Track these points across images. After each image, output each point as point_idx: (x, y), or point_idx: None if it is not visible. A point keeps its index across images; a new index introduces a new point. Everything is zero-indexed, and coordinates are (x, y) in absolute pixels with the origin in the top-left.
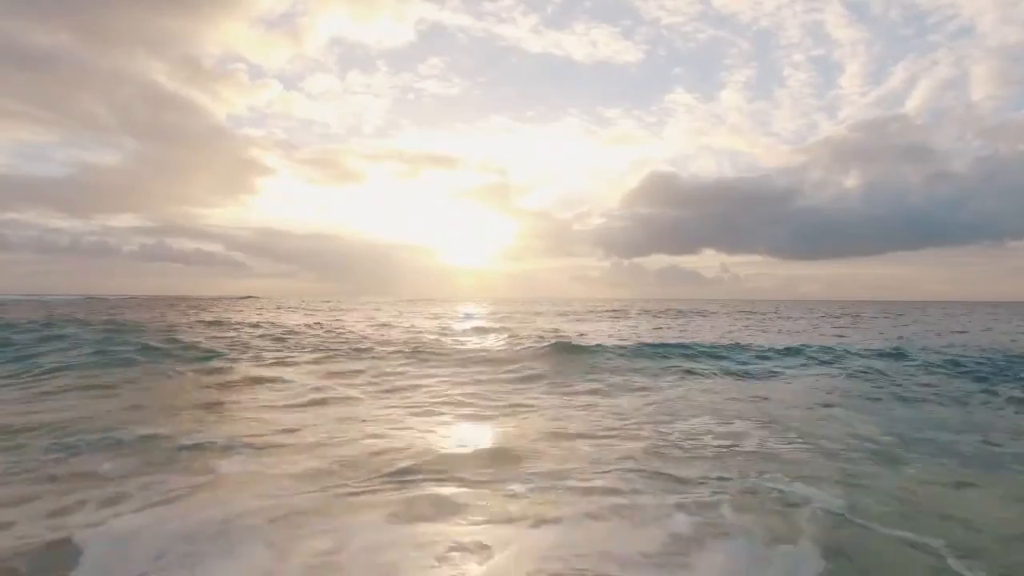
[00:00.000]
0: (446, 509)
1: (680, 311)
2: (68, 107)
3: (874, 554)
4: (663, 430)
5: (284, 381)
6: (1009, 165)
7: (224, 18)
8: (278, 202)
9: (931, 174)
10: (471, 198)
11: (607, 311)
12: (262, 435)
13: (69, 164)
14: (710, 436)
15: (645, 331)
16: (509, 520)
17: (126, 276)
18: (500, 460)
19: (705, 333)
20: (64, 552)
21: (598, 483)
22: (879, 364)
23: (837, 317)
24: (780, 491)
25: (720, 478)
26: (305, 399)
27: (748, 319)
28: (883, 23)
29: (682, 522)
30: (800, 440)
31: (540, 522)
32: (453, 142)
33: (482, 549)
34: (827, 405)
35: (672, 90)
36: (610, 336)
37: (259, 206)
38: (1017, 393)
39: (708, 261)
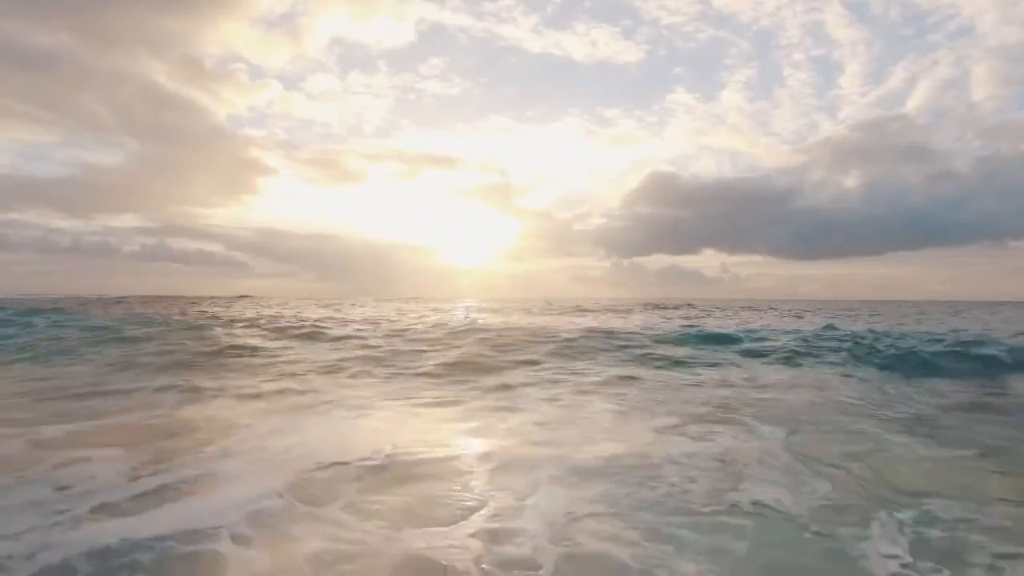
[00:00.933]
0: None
1: (673, 308)
2: (68, 107)
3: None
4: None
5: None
6: (1010, 165)
7: (224, 18)
8: (279, 202)
9: (931, 174)
10: (471, 198)
11: (594, 308)
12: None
13: (70, 164)
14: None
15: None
16: (479, 400)
17: (126, 276)
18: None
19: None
20: (234, 426)
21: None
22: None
23: (818, 312)
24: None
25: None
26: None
27: (743, 314)
28: (883, 23)
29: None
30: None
31: (513, 414)
32: (453, 142)
33: (453, 404)
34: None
35: (672, 90)
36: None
37: (260, 206)
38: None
39: (708, 261)
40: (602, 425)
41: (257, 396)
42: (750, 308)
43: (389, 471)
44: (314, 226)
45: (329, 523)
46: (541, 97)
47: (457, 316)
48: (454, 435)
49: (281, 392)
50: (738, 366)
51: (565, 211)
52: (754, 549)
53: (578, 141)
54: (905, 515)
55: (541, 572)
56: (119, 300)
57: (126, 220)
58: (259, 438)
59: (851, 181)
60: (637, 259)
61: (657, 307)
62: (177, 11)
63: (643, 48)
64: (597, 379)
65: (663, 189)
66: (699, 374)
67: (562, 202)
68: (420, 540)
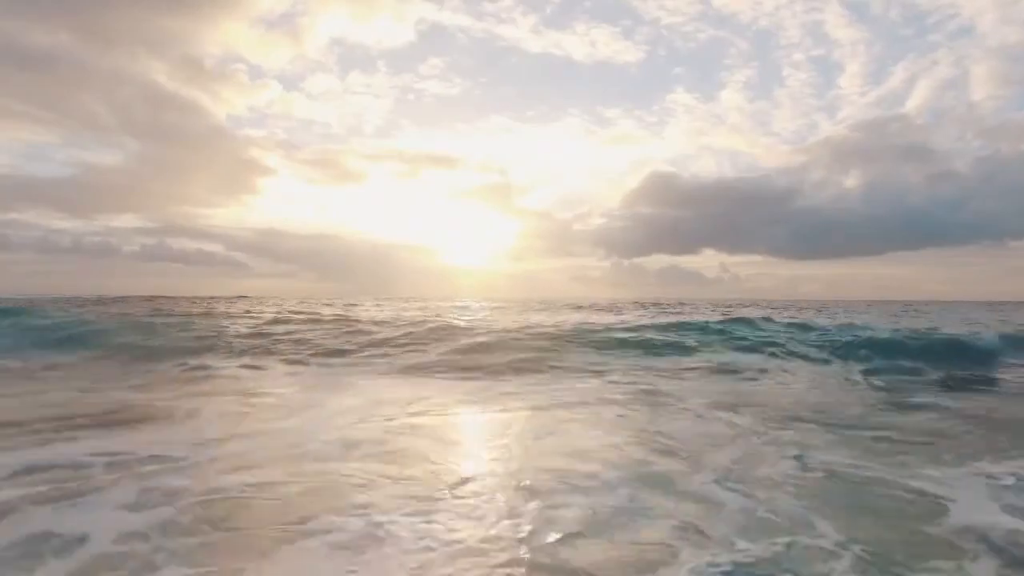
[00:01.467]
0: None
1: (666, 305)
2: (69, 107)
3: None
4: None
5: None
6: (1009, 165)
7: (224, 18)
8: (279, 202)
9: (931, 174)
10: (471, 198)
11: (586, 307)
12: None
13: (71, 164)
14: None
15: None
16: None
17: (126, 276)
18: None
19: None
20: (300, 391)
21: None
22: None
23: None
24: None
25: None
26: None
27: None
28: (883, 23)
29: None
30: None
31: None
32: (453, 142)
33: (444, 378)
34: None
35: (672, 90)
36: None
37: (260, 206)
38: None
39: (708, 261)
40: (560, 390)
41: (293, 373)
42: (739, 306)
43: (412, 411)
44: (314, 226)
45: (388, 440)
46: (541, 97)
47: (452, 313)
48: (450, 399)
49: (306, 368)
50: (691, 344)
51: (565, 211)
52: (636, 450)
53: (578, 141)
54: (755, 439)
55: (512, 454)
56: (119, 300)
57: (126, 220)
58: (314, 399)
59: (851, 181)
60: (637, 259)
61: (654, 304)
62: (177, 11)
63: (643, 48)
64: (566, 360)
65: (663, 189)
66: (652, 349)
67: (562, 202)
68: (446, 447)
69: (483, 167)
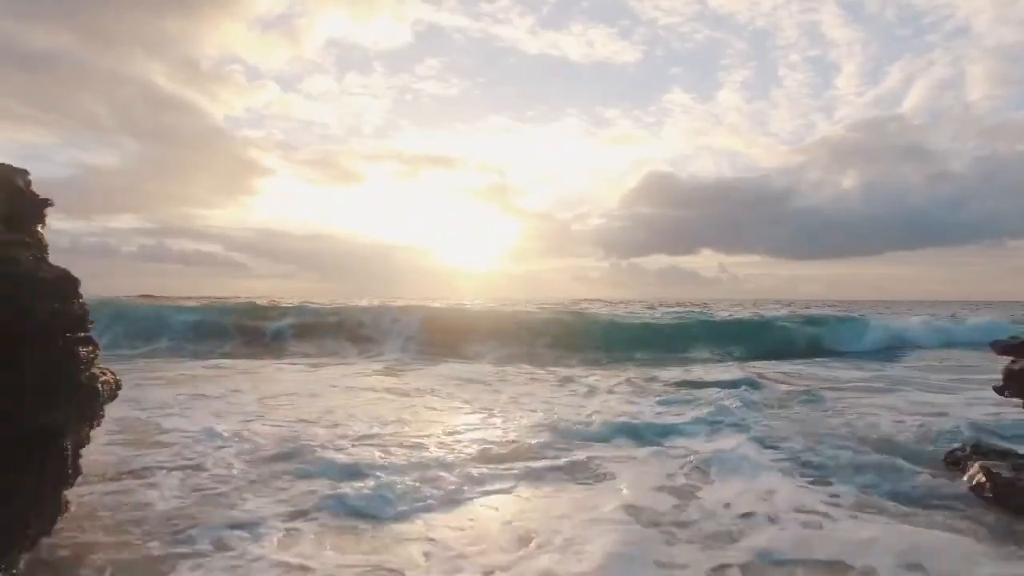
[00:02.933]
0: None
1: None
2: (68, 108)
3: None
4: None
5: None
6: (1008, 165)
7: (223, 19)
8: (278, 203)
9: (930, 174)
10: (471, 198)
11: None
12: None
13: (70, 165)
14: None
15: None
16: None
17: (125, 276)
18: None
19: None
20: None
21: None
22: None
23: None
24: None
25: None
26: None
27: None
28: (879, 23)
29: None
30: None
31: None
32: (452, 142)
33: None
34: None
35: (670, 90)
36: None
37: (258, 207)
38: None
39: (707, 261)
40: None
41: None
42: (740, 307)
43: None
44: (313, 227)
45: (378, 396)
46: (539, 97)
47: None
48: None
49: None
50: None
51: (564, 211)
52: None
53: (577, 141)
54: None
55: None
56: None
57: (125, 221)
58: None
59: (849, 181)
60: (636, 259)
61: (649, 305)
62: (176, 12)
63: (640, 48)
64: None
65: (661, 189)
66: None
67: (561, 202)
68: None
69: (482, 167)
